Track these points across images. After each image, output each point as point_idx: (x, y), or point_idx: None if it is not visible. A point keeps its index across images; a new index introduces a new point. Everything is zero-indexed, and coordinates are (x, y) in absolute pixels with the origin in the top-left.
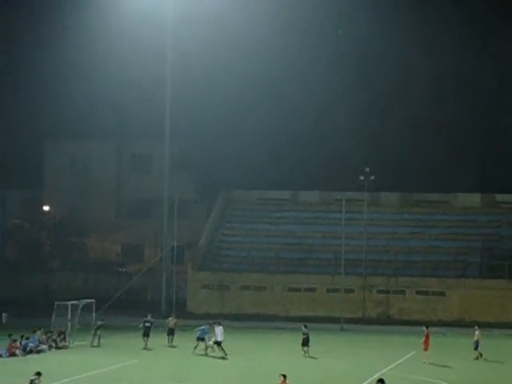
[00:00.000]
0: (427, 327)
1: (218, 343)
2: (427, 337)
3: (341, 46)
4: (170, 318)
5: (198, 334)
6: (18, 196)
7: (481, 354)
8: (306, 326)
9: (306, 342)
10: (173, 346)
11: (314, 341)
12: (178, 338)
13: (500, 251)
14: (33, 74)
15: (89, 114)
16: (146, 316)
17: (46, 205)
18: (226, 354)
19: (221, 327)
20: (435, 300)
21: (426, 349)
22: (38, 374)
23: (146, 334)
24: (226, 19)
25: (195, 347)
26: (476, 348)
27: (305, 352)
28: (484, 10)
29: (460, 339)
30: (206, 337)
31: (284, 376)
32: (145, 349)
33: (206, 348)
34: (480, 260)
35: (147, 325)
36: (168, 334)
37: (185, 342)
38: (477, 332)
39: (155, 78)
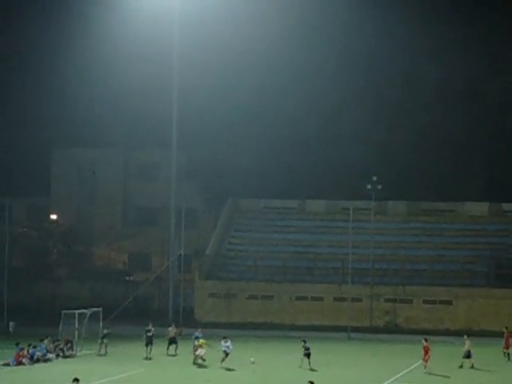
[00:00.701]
0: (426, 340)
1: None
2: (426, 349)
3: (348, 54)
4: (170, 328)
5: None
6: (25, 204)
7: (472, 365)
8: (305, 342)
9: (307, 355)
10: (174, 355)
11: (320, 349)
12: (182, 348)
13: (507, 260)
14: (40, 82)
15: (96, 122)
16: (148, 325)
17: (52, 213)
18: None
19: (224, 342)
20: (442, 309)
21: (425, 360)
22: (76, 380)
23: (149, 343)
24: (233, 29)
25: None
26: (468, 357)
27: (308, 363)
28: (490, 18)
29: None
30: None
31: (311, 383)
32: (147, 358)
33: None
34: (487, 269)
35: (149, 334)
36: (169, 344)
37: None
38: (467, 341)
39: (162, 86)
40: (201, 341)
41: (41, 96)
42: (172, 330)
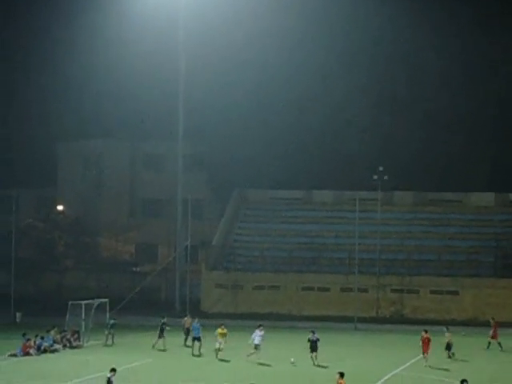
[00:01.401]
0: (426, 331)
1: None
2: (426, 341)
3: (353, 46)
4: (186, 318)
5: (193, 334)
6: (32, 195)
7: (453, 354)
8: (314, 332)
9: (314, 348)
10: (189, 346)
11: (327, 340)
12: (189, 338)
13: None
14: (46, 75)
15: (102, 114)
16: (163, 317)
17: (59, 204)
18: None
19: (259, 331)
20: (449, 299)
21: (425, 351)
22: (113, 370)
23: (161, 335)
24: (238, 19)
25: (192, 349)
26: (448, 349)
27: (313, 359)
28: (494, 7)
29: (475, 338)
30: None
31: (340, 374)
32: (161, 350)
33: (199, 348)
34: (494, 259)
35: (163, 327)
36: (186, 334)
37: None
38: (446, 334)
39: (168, 77)
40: (219, 330)
41: (47, 89)
42: (187, 320)
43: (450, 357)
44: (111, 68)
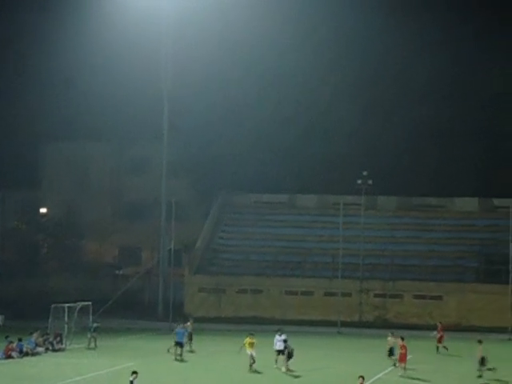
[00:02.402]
0: (403, 339)
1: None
2: (403, 349)
3: (339, 50)
4: (188, 323)
5: (176, 339)
6: (16, 197)
7: (396, 361)
8: (281, 334)
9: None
10: (192, 351)
11: (310, 344)
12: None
13: (497, 256)
14: (31, 74)
15: (87, 115)
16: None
17: (43, 206)
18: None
19: (279, 336)
20: (432, 304)
21: (402, 360)
22: (135, 372)
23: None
24: (223, 23)
25: (172, 352)
26: (391, 355)
27: (285, 366)
28: (484, 14)
29: (458, 343)
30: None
31: (362, 377)
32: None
33: (181, 354)
34: (477, 264)
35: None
36: (188, 339)
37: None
38: (389, 338)
39: (154, 80)
40: (248, 339)
41: (32, 90)
42: (190, 326)
43: (395, 364)
44: (97, 70)
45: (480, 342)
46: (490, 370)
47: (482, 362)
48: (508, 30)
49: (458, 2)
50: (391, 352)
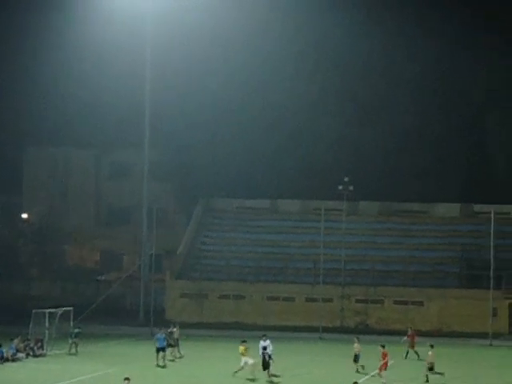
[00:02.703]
0: (383, 346)
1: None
2: (384, 356)
3: (323, 55)
4: (175, 329)
5: (157, 345)
6: None
7: (362, 367)
8: (265, 340)
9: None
10: (181, 357)
11: (292, 350)
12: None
13: (479, 261)
14: (14, 80)
15: (68, 121)
16: (169, 327)
17: (24, 212)
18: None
19: (263, 342)
20: (414, 310)
21: (383, 369)
22: (127, 379)
23: (174, 345)
24: (205, 27)
25: (157, 359)
26: (356, 361)
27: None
28: (470, 20)
29: (440, 349)
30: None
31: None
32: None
33: (164, 359)
34: (459, 270)
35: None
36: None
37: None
38: (355, 344)
39: (135, 85)
40: (241, 347)
41: (13, 96)
42: (176, 331)
43: (357, 370)
44: (78, 75)
45: (432, 346)
46: (439, 374)
47: (431, 367)
48: (496, 33)
49: (443, 2)
50: (356, 358)
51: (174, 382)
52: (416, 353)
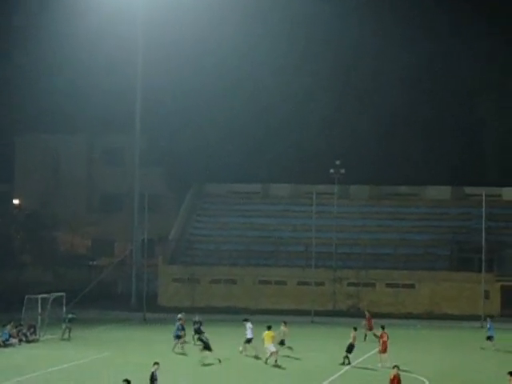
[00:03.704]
0: (383, 328)
1: (249, 341)
2: (382, 337)
3: (314, 40)
4: (180, 315)
5: (173, 333)
6: None
7: (290, 348)
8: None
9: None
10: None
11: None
12: (148, 332)
13: (470, 244)
14: (3, 67)
15: (59, 107)
16: (195, 317)
17: (16, 198)
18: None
19: (249, 323)
20: (405, 293)
21: (382, 351)
22: (156, 363)
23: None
24: (197, 12)
25: (173, 347)
26: (282, 343)
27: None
28: (462, 3)
29: (431, 331)
30: (182, 333)
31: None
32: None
33: (183, 346)
34: (450, 253)
35: (196, 326)
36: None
37: (159, 335)
38: (282, 328)
39: (125, 71)
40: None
41: (3, 82)
42: (183, 318)
43: (344, 362)
44: (68, 61)
45: (355, 329)
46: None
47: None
48: (485, 19)
49: None
50: (350, 349)
51: (168, 364)
52: (375, 335)
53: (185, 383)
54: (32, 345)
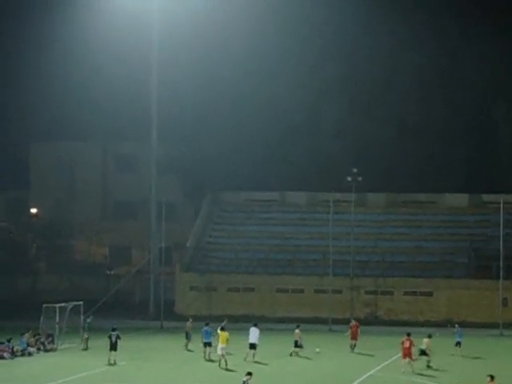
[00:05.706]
0: (408, 334)
1: (252, 346)
2: (405, 344)
3: (328, 47)
4: (188, 322)
5: (203, 339)
6: (4, 197)
7: (296, 353)
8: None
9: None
10: (190, 351)
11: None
12: (164, 340)
13: (487, 251)
14: (19, 75)
15: (75, 115)
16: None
17: (32, 206)
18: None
19: (255, 328)
20: (423, 300)
21: (406, 356)
22: (249, 373)
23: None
24: (211, 19)
25: (204, 354)
26: (296, 345)
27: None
28: (472, 10)
29: (448, 339)
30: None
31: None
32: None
33: (209, 353)
34: (467, 260)
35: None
36: (186, 338)
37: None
38: (296, 331)
39: (142, 78)
40: (220, 332)
41: (20, 90)
42: (189, 325)
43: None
44: (84, 69)
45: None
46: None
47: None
48: (495, 24)
49: None
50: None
51: (182, 375)
52: (355, 345)
53: None
54: (50, 354)
